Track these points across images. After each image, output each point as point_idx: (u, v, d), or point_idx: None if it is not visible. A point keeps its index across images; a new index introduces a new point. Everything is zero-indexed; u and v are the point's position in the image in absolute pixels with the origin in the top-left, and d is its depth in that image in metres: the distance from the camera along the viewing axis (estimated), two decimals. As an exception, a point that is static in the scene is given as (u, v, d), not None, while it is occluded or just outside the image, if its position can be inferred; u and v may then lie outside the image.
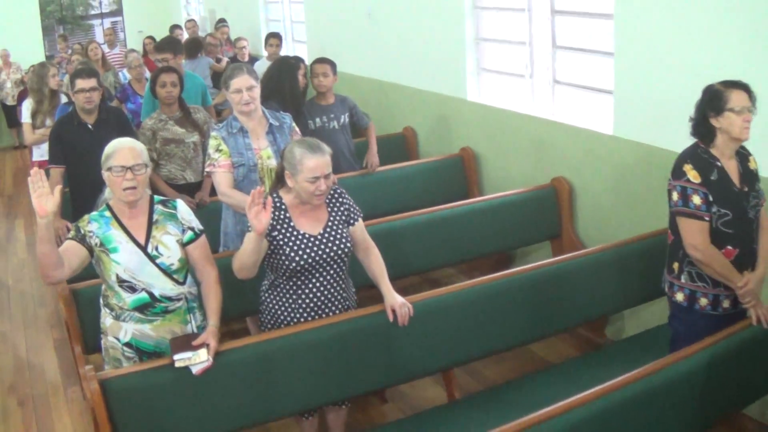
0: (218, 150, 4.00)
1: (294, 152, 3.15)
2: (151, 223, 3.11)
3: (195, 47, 7.99)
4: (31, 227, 7.83)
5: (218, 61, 8.40)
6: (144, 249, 3.06)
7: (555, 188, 5.12)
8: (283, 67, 5.21)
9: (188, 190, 4.96)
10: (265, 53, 8.65)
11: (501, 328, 3.73)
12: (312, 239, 3.20)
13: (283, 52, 8.13)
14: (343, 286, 3.36)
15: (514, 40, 5.59)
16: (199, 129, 5.05)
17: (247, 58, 8.73)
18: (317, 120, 5.38)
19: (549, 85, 5.30)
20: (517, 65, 5.58)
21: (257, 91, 4.05)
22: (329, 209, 3.31)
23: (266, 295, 3.34)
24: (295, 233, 3.19)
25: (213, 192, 4.81)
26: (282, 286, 3.26)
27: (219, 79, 8.08)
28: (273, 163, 4.04)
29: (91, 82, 4.70)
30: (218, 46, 8.66)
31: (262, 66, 7.73)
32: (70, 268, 2.98)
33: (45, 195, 2.78)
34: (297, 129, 4.29)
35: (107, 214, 3.11)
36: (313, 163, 3.10)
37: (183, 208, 3.20)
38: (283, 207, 3.22)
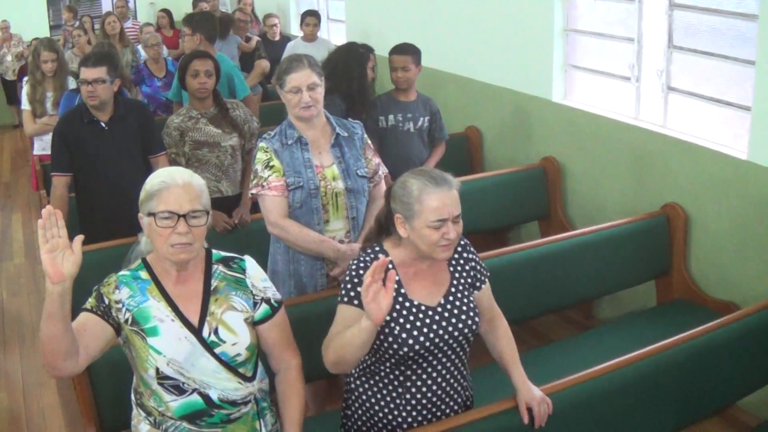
0: (269, 166, 3.10)
1: (409, 187, 2.24)
2: (208, 294, 2.18)
3: (226, 25, 7.00)
4: (31, 223, 6.91)
5: (247, 40, 7.44)
6: (198, 333, 2.13)
7: (668, 217, 4.20)
8: (351, 56, 4.32)
9: (224, 206, 4.04)
10: (299, 33, 7.69)
11: (650, 418, 2.84)
12: (430, 313, 2.29)
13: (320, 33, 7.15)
14: (464, 373, 2.45)
15: (615, 35, 4.64)
16: (238, 130, 4.10)
17: (278, 38, 7.77)
18: (390, 117, 4.49)
19: (661, 92, 4.36)
20: (618, 65, 4.64)
21: (321, 92, 3.14)
22: (451, 268, 2.41)
23: (357, 383, 2.42)
24: (407, 305, 2.28)
25: (255, 207, 3.93)
26: (383, 374, 2.34)
27: (248, 61, 7.19)
28: (340, 185, 3.15)
29: (97, 72, 3.75)
30: (248, 23, 7.67)
31: (296, 48, 6.82)
32: (87, 356, 2.05)
33: (61, 248, 1.87)
34: (370, 143, 3.37)
35: (143, 275, 2.17)
36: (438, 201, 2.21)
37: (254, 271, 2.27)
38: (390, 266, 2.30)
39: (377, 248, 2.35)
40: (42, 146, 5.50)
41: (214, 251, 2.26)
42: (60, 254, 1.85)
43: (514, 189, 4.96)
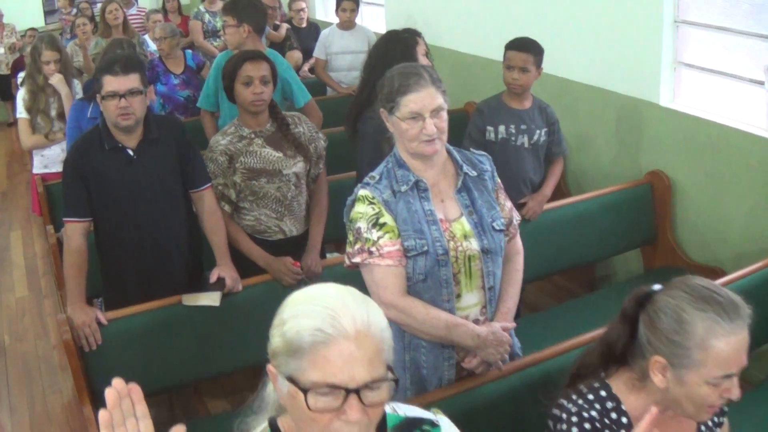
0: (378, 225, 2.23)
1: (688, 322, 1.49)
2: None
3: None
4: (33, 245, 6.02)
5: (275, 28, 6.53)
6: None
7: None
8: (392, 46, 3.39)
9: (288, 249, 3.18)
10: (326, 18, 6.80)
11: None
12: None
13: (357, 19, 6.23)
14: None
15: (740, 29, 3.76)
16: (303, 152, 3.22)
17: (305, 24, 6.85)
18: (501, 128, 3.65)
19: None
20: (745, 65, 3.77)
21: (446, 117, 2.26)
22: None
23: None
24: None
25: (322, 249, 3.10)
26: None
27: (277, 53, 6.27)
28: (473, 246, 2.28)
29: (130, 81, 2.85)
30: (276, 9, 6.74)
31: (331, 37, 5.96)
32: None
33: None
34: (500, 181, 2.50)
35: None
36: (731, 348, 1.48)
37: None
38: (624, 420, 1.50)
39: (602, 392, 1.53)
40: (44, 163, 4.62)
41: (386, 409, 1.39)
42: None
43: (613, 212, 4.11)
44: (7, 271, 5.60)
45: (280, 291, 3.12)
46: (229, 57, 3.27)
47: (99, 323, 2.82)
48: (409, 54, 3.37)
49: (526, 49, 3.64)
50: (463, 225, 2.29)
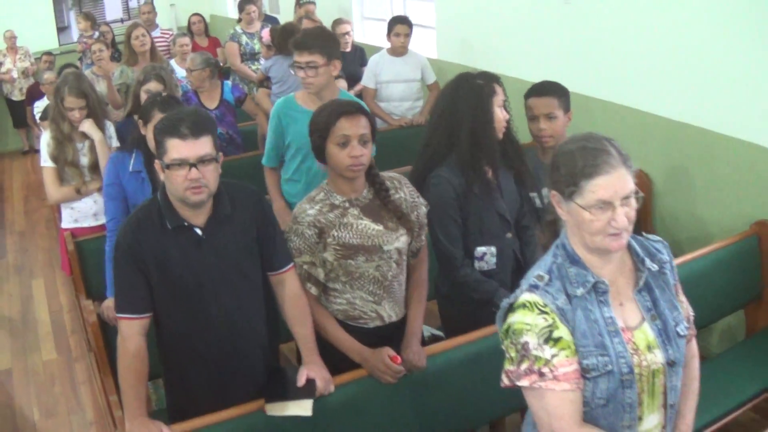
0: (552, 339, 1.77)
1: None
2: None
3: (288, 38, 5.56)
4: (58, 295, 5.50)
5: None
6: None
7: None
8: (462, 95, 2.83)
9: (386, 337, 2.64)
10: (365, 40, 6.29)
11: None
12: None
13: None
14: None
15: None
16: (407, 223, 2.67)
17: (349, 48, 6.33)
18: (545, 192, 3.10)
19: None
20: None
21: (635, 204, 1.81)
22: None
23: None
24: None
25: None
26: None
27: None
28: (658, 359, 1.84)
29: (202, 146, 2.31)
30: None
31: (381, 65, 5.50)
32: None
33: None
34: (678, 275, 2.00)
35: None
36: None
37: None
38: None
39: None
40: (74, 216, 4.04)
41: None
42: None
43: (716, 272, 3.56)
44: (31, 328, 5.04)
45: (379, 390, 2.60)
46: (320, 108, 2.69)
47: (161, 432, 2.29)
48: (482, 106, 2.82)
49: (547, 92, 3.14)
50: (646, 333, 1.86)
